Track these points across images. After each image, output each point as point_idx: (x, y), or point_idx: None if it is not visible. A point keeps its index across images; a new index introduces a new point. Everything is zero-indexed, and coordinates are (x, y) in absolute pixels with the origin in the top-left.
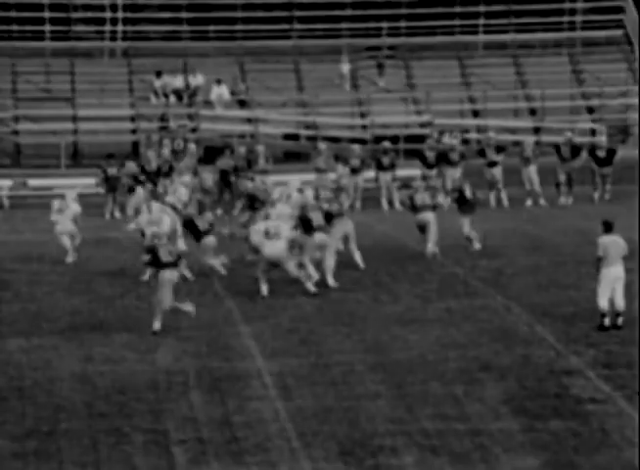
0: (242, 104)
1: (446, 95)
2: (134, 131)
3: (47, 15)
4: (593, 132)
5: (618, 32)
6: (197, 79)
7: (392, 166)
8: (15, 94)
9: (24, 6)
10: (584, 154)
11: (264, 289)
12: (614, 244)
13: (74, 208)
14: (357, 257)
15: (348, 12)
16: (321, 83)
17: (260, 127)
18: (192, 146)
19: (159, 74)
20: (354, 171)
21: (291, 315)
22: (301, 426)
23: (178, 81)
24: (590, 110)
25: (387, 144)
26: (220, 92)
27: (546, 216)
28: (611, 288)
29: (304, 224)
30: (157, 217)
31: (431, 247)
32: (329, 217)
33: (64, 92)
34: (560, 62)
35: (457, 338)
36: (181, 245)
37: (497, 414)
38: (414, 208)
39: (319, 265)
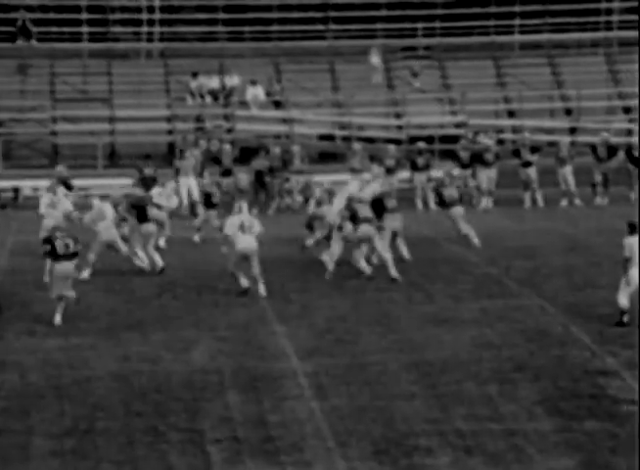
0: (277, 104)
1: (481, 95)
2: (170, 132)
3: (85, 16)
4: (629, 132)
5: None
6: (232, 80)
7: (427, 167)
8: (53, 95)
9: (63, 8)
10: (621, 154)
11: (244, 282)
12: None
13: (66, 204)
14: (404, 250)
15: (384, 12)
16: (356, 84)
17: (296, 128)
18: (227, 146)
19: (195, 75)
20: (389, 172)
21: (325, 315)
22: (336, 425)
23: (214, 82)
24: (626, 110)
25: (421, 144)
26: (256, 93)
27: (581, 217)
28: (635, 288)
29: (351, 216)
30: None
31: (474, 239)
32: (381, 211)
33: (101, 93)
34: (596, 62)
35: (491, 338)
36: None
37: (532, 415)
38: (443, 203)
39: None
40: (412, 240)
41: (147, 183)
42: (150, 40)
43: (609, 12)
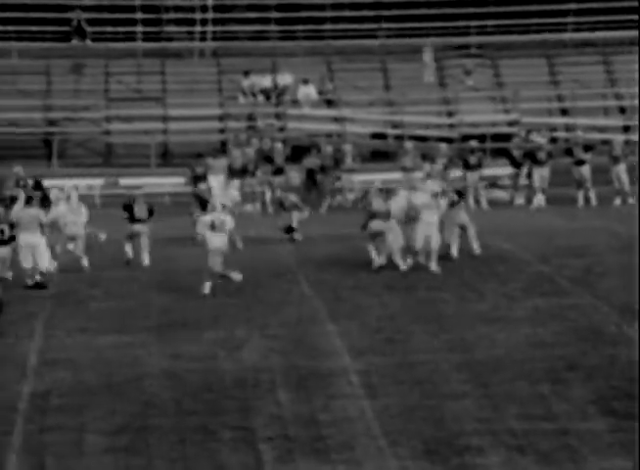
0: (329, 103)
1: (534, 93)
2: (222, 131)
3: (139, 16)
4: None
5: None
6: (284, 79)
7: (479, 165)
8: (107, 94)
9: (117, 8)
10: None
11: (237, 276)
12: None
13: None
14: (475, 244)
15: (436, 10)
16: (408, 82)
17: (347, 127)
18: (278, 145)
19: (247, 74)
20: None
21: (377, 314)
22: (387, 424)
23: (266, 81)
24: None
25: (474, 143)
26: (307, 91)
27: (635, 215)
28: None
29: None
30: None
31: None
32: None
33: (154, 92)
34: None
35: (544, 337)
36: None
37: (585, 414)
38: None
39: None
40: (464, 239)
41: (199, 181)
42: (203, 39)
43: None
